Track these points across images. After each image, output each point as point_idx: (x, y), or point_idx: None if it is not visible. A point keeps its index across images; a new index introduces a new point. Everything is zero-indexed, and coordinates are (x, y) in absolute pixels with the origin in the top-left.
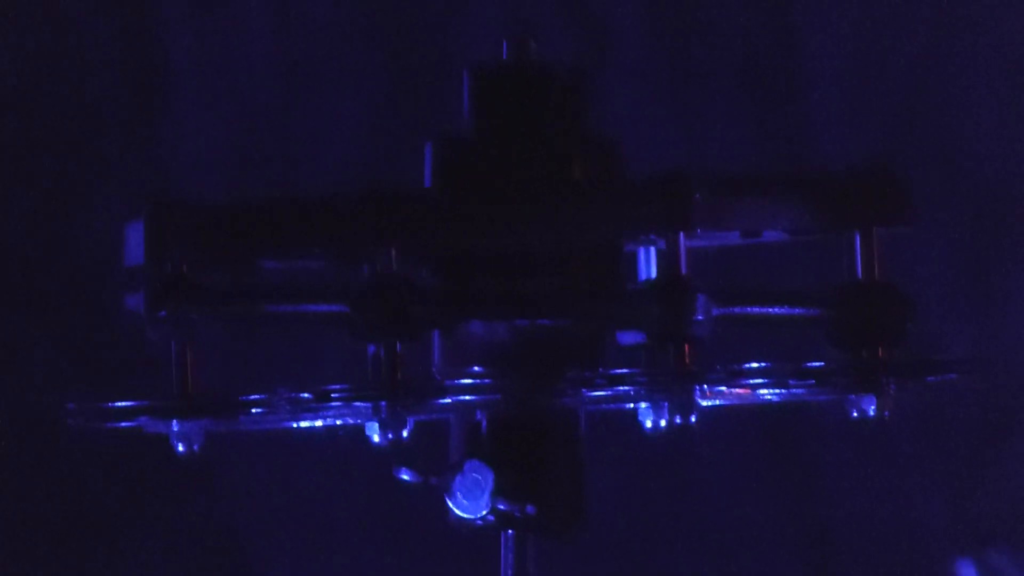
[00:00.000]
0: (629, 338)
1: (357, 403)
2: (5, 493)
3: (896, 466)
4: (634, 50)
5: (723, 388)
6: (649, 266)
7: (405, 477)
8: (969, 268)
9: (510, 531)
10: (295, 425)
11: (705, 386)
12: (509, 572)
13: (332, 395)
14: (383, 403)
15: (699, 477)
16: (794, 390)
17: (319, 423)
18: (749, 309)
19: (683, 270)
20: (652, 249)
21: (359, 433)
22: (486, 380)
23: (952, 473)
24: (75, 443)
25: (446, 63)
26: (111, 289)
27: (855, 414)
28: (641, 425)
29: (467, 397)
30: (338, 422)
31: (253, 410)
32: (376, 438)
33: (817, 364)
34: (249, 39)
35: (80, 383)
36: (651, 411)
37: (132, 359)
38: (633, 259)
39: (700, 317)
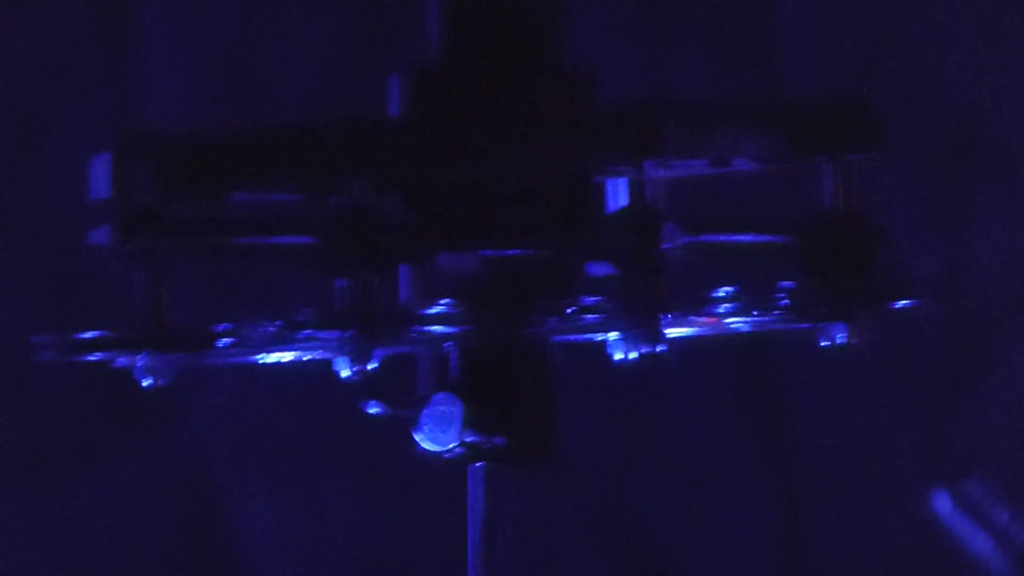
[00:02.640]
0: (598, 269)
1: (325, 333)
2: None
3: (865, 394)
4: None
5: (692, 316)
6: (617, 197)
7: (374, 410)
8: (938, 196)
9: (478, 464)
10: (262, 360)
11: (672, 314)
12: (479, 505)
13: (300, 325)
14: (351, 333)
15: (668, 409)
16: (762, 318)
17: (288, 356)
18: (718, 237)
19: (649, 198)
20: (622, 180)
21: (327, 365)
22: (455, 311)
23: (921, 401)
24: (42, 377)
25: None
26: (76, 222)
27: (825, 342)
28: (610, 357)
29: (436, 328)
30: (306, 357)
31: (221, 341)
32: (345, 372)
33: (786, 286)
34: None
35: (47, 317)
36: (620, 343)
37: (99, 293)
38: (602, 191)
39: (668, 245)
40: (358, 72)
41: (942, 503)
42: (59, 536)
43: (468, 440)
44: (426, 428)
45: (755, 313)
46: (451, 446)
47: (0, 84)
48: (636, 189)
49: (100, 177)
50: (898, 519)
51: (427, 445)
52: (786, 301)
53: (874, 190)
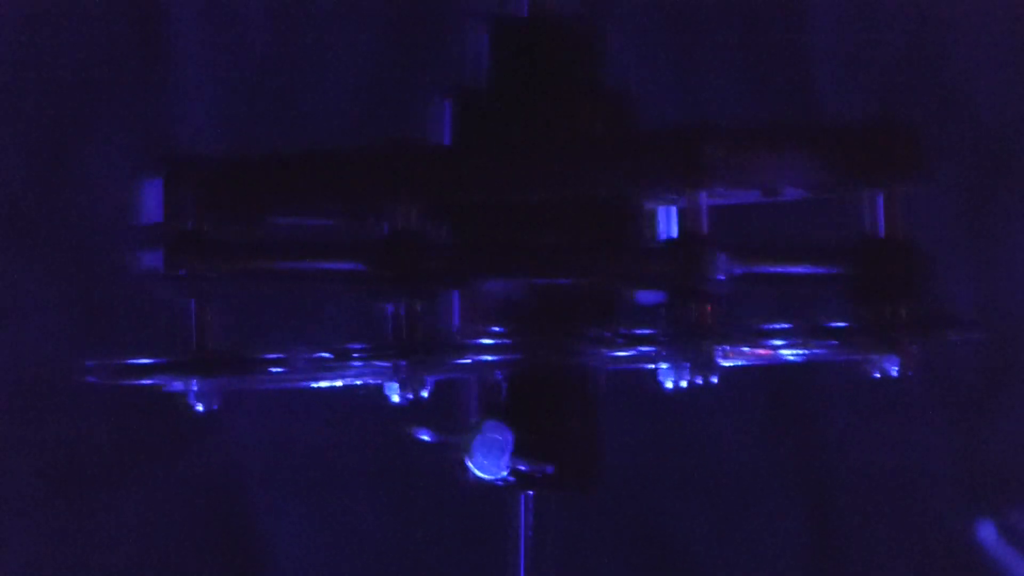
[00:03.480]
0: (647, 298)
1: (376, 363)
2: (9, 445)
3: (900, 416)
4: (632, 3)
5: (744, 348)
6: (669, 225)
7: (424, 437)
8: (970, 219)
9: (529, 492)
10: (313, 385)
11: (724, 345)
12: (527, 531)
13: (352, 354)
14: (402, 362)
15: (704, 428)
16: (815, 350)
17: (338, 383)
18: (769, 268)
19: (703, 227)
20: (672, 209)
21: (369, 387)
22: (505, 339)
23: (956, 423)
24: (77, 396)
25: (449, 14)
26: (124, 247)
27: (877, 374)
28: (660, 385)
29: (486, 356)
30: (356, 382)
31: (272, 369)
32: (395, 398)
33: (839, 324)
34: None
35: (90, 339)
36: (671, 371)
37: (143, 316)
38: (653, 218)
39: (720, 275)
40: (399, 96)
41: (986, 532)
42: (90, 555)
43: (518, 468)
44: (477, 456)
45: (813, 342)
46: (502, 474)
47: (40, 107)
48: (686, 217)
49: (148, 202)
50: (931, 542)
51: (478, 473)
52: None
53: (908, 214)
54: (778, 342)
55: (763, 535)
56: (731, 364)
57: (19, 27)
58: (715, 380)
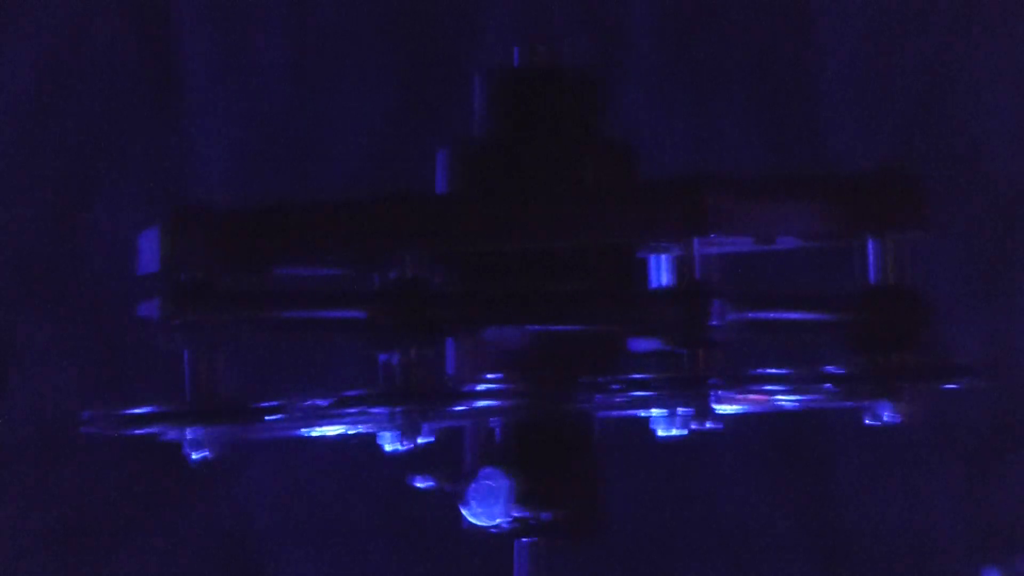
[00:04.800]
0: (641, 345)
1: (373, 409)
2: (13, 495)
3: (909, 470)
4: (643, 52)
5: (739, 395)
6: (660, 274)
7: (420, 484)
8: (982, 270)
9: (524, 539)
10: (310, 434)
11: (721, 392)
12: None
13: (348, 401)
14: (399, 409)
15: (711, 483)
16: (811, 395)
17: (333, 431)
18: (765, 314)
19: (698, 275)
20: (664, 257)
21: (371, 437)
22: (501, 386)
23: (967, 477)
24: (82, 447)
25: (459, 66)
26: (125, 297)
27: (868, 420)
28: (653, 433)
29: (482, 403)
30: (351, 431)
31: (268, 417)
32: (388, 447)
33: (834, 370)
34: (263, 43)
35: (95, 387)
36: (664, 419)
37: (149, 365)
38: (644, 267)
39: (716, 322)
40: (405, 145)
41: None
42: None
43: (515, 515)
44: (473, 503)
45: (809, 388)
46: (498, 521)
47: (51, 153)
48: (683, 265)
49: (148, 251)
50: None
51: (474, 520)
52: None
53: (917, 265)
54: (774, 387)
55: None
56: (727, 411)
57: (33, 78)
58: (709, 426)
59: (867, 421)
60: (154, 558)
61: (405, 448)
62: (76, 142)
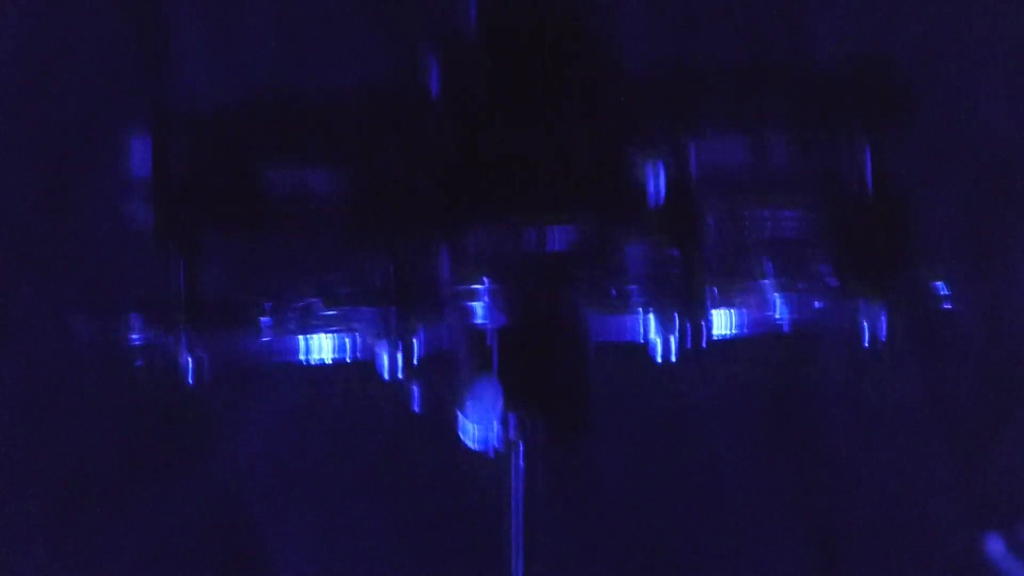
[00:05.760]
0: (636, 255)
1: (365, 308)
2: (11, 463)
3: (901, 443)
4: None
5: (734, 297)
6: (658, 185)
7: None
8: (974, 238)
9: (519, 444)
10: (304, 360)
11: (715, 289)
12: (519, 505)
13: (340, 298)
14: (392, 309)
15: (702, 451)
16: (803, 295)
17: (327, 339)
18: (758, 214)
19: (693, 177)
20: (661, 169)
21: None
22: (494, 287)
23: (958, 444)
24: (79, 413)
25: None
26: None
27: (867, 341)
28: (651, 356)
29: (474, 304)
30: (347, 340)
31: (262, 319)
32: (386, 360)
33: (826, 268)
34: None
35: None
36: (660, 330)
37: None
38: (642, 173)
39: (711, 223)
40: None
41: (994, 546)
42: (95, 571)
43: (509, 419)
44: (468, 407)
45: (798, 288)
46: (492, 423)
47: (42, 125)
48: (676, 167)
49: (138, 157)
50: (934, 564)
51: (469, 422)
52: (828, 280)
53: (912, 230)
54: (767, 284)
55: (764, 560)
56: (720, 336)
57: (24, 55)
58: (704, 345)
59: (864, 341)
60: (150, 523)
61: (403, 369)
62: (62, 110)
